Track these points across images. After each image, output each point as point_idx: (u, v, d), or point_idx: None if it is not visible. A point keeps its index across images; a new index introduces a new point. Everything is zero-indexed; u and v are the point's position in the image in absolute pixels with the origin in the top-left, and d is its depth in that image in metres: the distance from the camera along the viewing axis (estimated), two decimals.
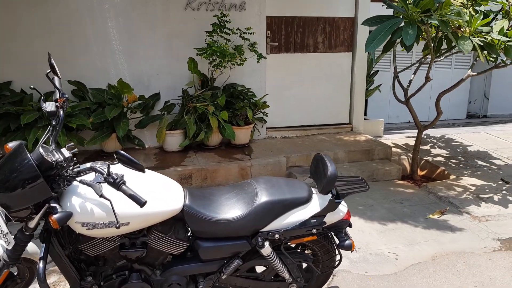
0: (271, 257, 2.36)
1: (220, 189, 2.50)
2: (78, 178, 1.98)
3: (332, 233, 2.52)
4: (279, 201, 2.33)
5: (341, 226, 2.51)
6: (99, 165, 1.99)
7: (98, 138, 4.59)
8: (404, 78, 5.38)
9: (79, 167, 2.07)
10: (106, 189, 1.95)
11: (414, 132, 6.97)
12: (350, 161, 5.21)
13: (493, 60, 4.42)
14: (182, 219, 2.30)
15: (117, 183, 1.91)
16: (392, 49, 4.88)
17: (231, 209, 2.32)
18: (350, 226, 2.56)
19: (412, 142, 6.25)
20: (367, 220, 4.03)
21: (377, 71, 6.67)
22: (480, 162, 5.51)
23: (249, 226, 2.30)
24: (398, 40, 4.44)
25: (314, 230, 2.38)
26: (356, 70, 5.94)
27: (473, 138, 6.48)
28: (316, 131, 5.85)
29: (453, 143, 6.27)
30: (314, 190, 2.49)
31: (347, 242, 2.43)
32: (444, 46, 4.71)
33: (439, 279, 3.11)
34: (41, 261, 2.04)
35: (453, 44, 4.25)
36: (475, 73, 4.68)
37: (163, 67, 5.18)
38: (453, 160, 5.57)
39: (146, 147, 5.15)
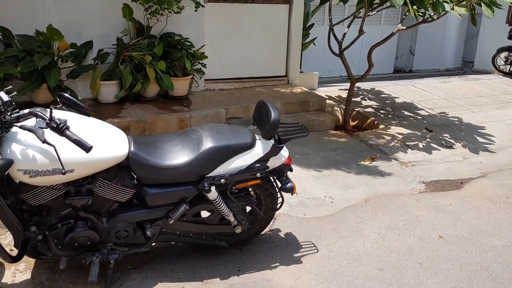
0: (217, 201, 2.43)
1: (164, 136, 2.49)
2: (18, 124, 1.88)
3: (275, 177, 2.63)
4: (224, 146, 2.37)
5: (283, 170, 2.62)
6: (39, 110, 1.90)
7: (28, 89, 4.29)
8: (338, 32, 5.52)
9: (18, 112, 1.96)
10: (49, 134, 1.87)
11: (346, 85, 7.25)
12: (287, 112, 5.35)
13: (421, 14, 4.66)
14: (127, 166, 2.28)
15: (61, 128, 1.84)
16: (328, 2, 4.96)
17: (177, 155, 2.34)
18: (291, 170, 2.68)
19: (344, 94, 6.53)
20: (303, 168, 4.22)
21: (312, 25, 6.76)
22: (406, 113, 5.91)
23: (195, 171, 2.34)
24: None
25: (258, 174, 2.47)
26: (293, 22, 5.97)
27: (401, 90, 6.89)
28: (254, 83, 5.89)
29: (382, 95, 6.63)
30: (257, 136, 2.56)
31: (288, 184, 2.56)
32: (377, 0, 4.86)
33: (371, 218, 3.38)
34: None
35: None
36: (405, 27, 4.92)
37: (95, 14, 4.87)
38: (382, 111, 5.92)
39: (80, 98, 4.89)
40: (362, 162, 4.42)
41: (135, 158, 2.24)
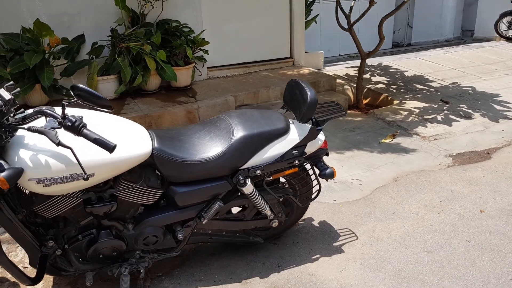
0: (253, 195, 2.20)
1: (189, 128, 2.24)
2: (25, 126, 1.61)
3: (311, 163, 2.39)
4: (257, 134, 2.13)
5: (320, 155, 2.39)
6: (48, 108, 1.63)
7: (21, 91, 3.98)
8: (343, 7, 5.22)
9: (23, 111, 1.68)
10: (63, 135, 1.61)
11: (352, 63, 7.04)
12: None
13: None
14: (151, 165, 2.02)
15: (77, 127, 1.58)
16: None
17: (206, 148, 2.09)
18: (327, 154, 2.45)
19: (352, 72, 6.29)
20: None
21: (313, 1, 6.45)
22: (418, 86, 5.68)
23: (228, 164, 2.09)
24: None
25: (296, 162, 2.23)
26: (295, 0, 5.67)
27: (408, 64, 6.65)
28: (258, 68, 5.61)
29: (391, 70, 6.38)
30: (291, 120, 2.31)
31: (328, 170, 2.33)
32: None
33: (406, 198, 3.17)
34: None
35: None
36: None
37: (85, 3, 4.53)
38: (393, 86, 5.68)
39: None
40: (383, 140, 4.19)
41: (161, 154, 1.98)
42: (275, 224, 2.41)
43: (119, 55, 4.40)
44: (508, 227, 2.76)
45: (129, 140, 1.89)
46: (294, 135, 2.22)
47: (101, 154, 1.72)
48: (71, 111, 1.83)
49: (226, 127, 2.15)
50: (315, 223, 2.90)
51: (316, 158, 2.37)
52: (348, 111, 5.02)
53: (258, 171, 2.15)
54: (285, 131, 2.20)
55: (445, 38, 10.31)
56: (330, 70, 6.28)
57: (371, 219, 2.92)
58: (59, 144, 1.57)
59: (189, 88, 4.91)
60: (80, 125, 1.58)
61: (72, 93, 1.68)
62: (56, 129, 1.60)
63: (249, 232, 2.47)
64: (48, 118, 1.65)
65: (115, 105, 4.42)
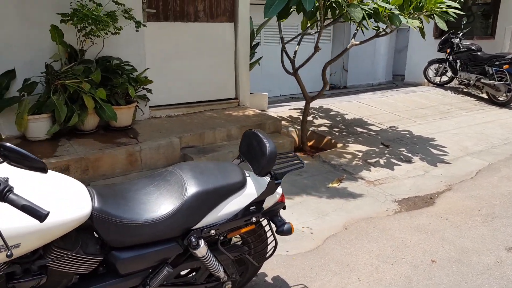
0: (206, 258, 1.98)
1: (134, 183, 2.00)
2: None
3: (268, 218, 2.24)
4: (213, 190, 1.94)
5: (277, 210, 2.25)
6: None
7: None
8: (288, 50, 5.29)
9: None
10: None
11: (294, 104, 7.12)
12: None
13: (375, 28, 4.58)
14: (89, 227, 1.76)
15: (1, 192, 1.31)
16: (278, 21, 4.72)
17: (154, 207, 1.86)
18: (284, 208, 2.31)
19: (295, 114, 6.34)
20: None
21: (257, 44, 6.51)
22: (359, 129, 5.81)
23: (180, 224, 1.88)
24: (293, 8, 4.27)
25: (254, 219, 2.06)
26: (239, 41, 5.66)
27: (347, 107, 6.83)
28: (203, 108, 5.46)
29: (332, 113, 6.52)
30: (247, 173, 2.16)
31: (286, 226, 2.18)
32: (329, 15, 4.71)
33: (358, 248, 3.10)
34: None
35: (340, 12, 4.25)
36: (358, 42, 4.81)
37: (16, 37, 4.16)
38: (336, 129, 5.77)
39: (4, 137, 4.14)
40: (330, 185, 4.17)
41: (102, 216, 1.73)
42: (228, 286, 2.20)
43: (54, 93, 4.05)
44: (459, 277, 2.77)
45: (65, 201, 1.63)
46: (251, 190, 2.06)
47: (29, 220, 1.44)
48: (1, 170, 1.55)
49: (177, 182, 1.95)
50: (269, 279, 2.72)
51: (273, 213, 2.23)
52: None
53: (213, 231, 1.95)
54: (242, 185, 2.04)
55: (378, 81, 10.89)
56: (273, 112, 6.28)
57: (326, 272, 2.81)
58: None
59: (130, 128, 4.63)
60: (5, 190, 1.32)
61: None
62: None
63: None
64: None
65: (48, 147, 4.03)
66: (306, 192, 3.99)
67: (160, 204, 1.87)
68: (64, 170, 3.75)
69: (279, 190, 2.20)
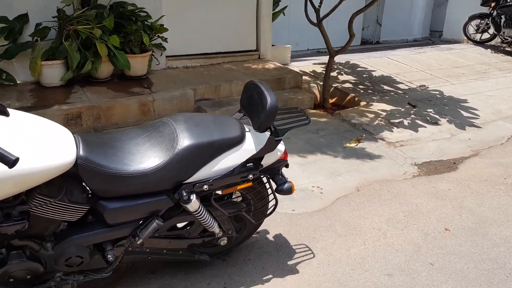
0: (198, 212, 1.91)
1: (125, 132, 1.91)
2: None
3: (268, 176, 2.13)
4: (207, 143, 1.84)
5: (278, 167, 2.13)
6: None
7: None
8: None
9: None
10: None
11: (319, 59, 6.81)
12: None
13: None
14: (76, 175, 1.70)
15: None
16: None
17: (144, 158, 1.78)
18: (287, 166, 2.19)
19: (319, 69, 6.07)
20: None
21: None
22: (386, 87, 5.52)
23: (170, 177, 1.80)
24: None
25: (251, 176, 1.96)
26: None
27: (376, 63, 6.49)
28: (222, 59, 5.28)
29: (359, 69, 6.21)
30: (247, 128, 2.03)
31: (286, 185, 2.08)
32: None
33: (368, 211, 2.97)
34: None
35: None
36: None
37: None
38: (361, 86, 5.50)
39: (18, 82, 4.14)
40: (348, 144, 4.00)
41: (87, 164, 1.66)
42: (223, 242, 2.14)
43: (67, 39, 3.97)
44: (473, 249, 2.61)
45: (46, 147, 1.56)
46: (249, 146, 1.94)
47: (3, 167, 1.38)
48: None
49: (169, 134, 1.85)
50: (270, 236, 2.65)
51: (274, 171, 2.11)
52: (314, 111, 4.80)
53: (206, 186, 1.86)
54: (239, 140, 1.92)
55: (414, 37, 10.28)
56: (296, 66, 6.04)
57: (331, 233, 2.71)
58: None
59: (144, 77, 4.54)
60: None
61: None
62: None
63: (193, 249, 2.18)
64: None
65: (62, 93, 4.00)
66: (321, 151, 3.84)
67: (149, 156, 1.78)
68: (76, 117, 3.73)
69: (281, 147, 2.07)
